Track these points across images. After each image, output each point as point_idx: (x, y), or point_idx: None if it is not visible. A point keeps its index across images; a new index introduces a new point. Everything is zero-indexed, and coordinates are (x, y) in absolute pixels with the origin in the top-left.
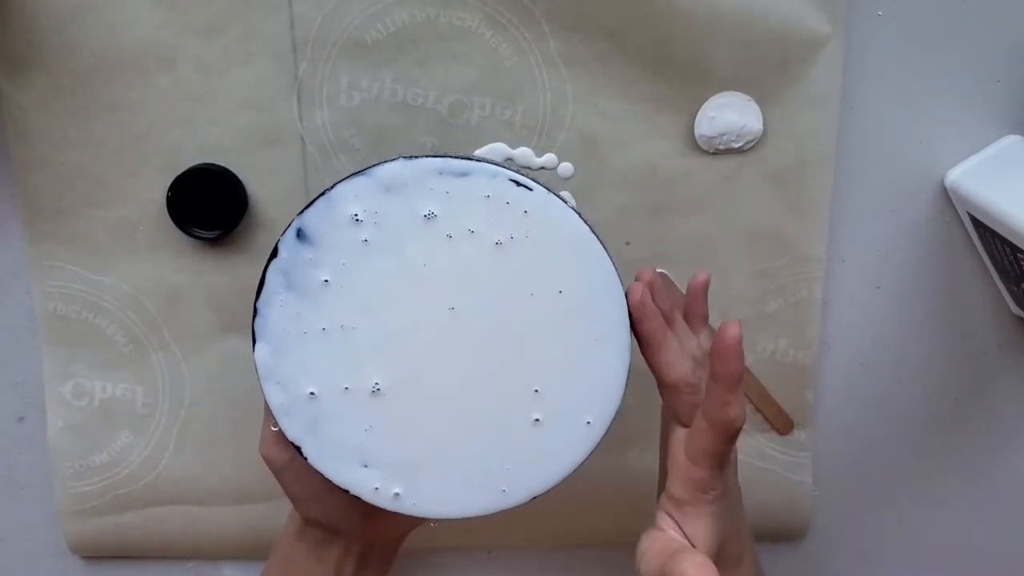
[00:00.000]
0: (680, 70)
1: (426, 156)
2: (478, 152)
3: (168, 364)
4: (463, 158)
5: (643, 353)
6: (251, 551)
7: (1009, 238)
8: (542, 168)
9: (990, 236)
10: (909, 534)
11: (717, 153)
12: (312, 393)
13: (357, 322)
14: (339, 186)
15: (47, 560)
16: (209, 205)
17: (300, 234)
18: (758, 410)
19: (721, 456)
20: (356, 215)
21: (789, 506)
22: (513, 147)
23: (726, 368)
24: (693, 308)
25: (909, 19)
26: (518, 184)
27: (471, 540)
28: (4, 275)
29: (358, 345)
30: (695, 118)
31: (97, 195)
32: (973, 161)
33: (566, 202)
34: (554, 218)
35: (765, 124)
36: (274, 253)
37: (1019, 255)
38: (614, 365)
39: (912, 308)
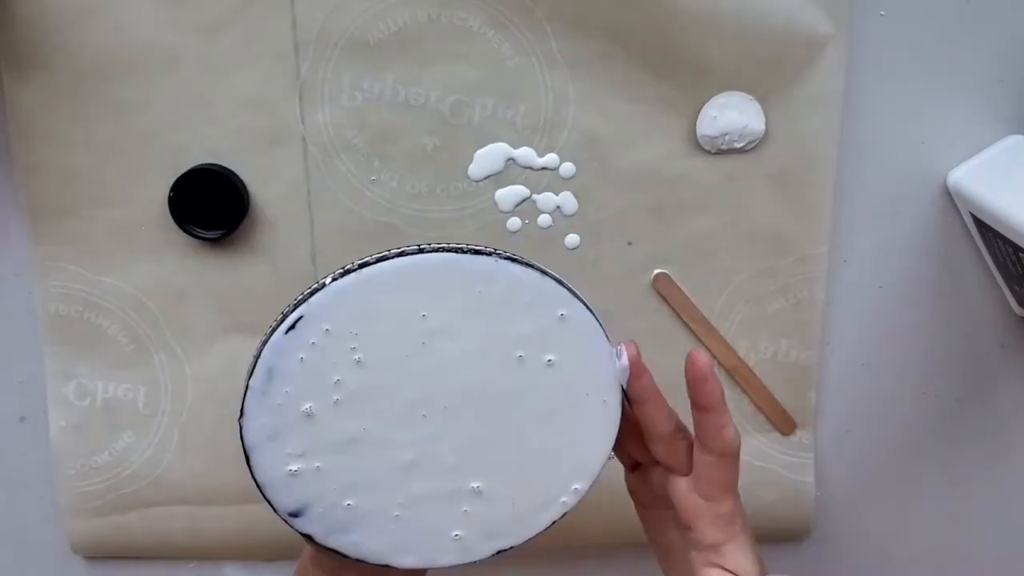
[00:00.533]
0: (682, 70)
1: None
2: (479, 152)
3: (170, 364)
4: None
5: (636, 411)
6: (253, 551)
7: (1011, 238)
8: (544, 168)
9: (992, 236)
10: (911, 534)
11: (719, 153)
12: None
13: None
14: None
15: (49, 560)
16: (211, 205)
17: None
18: (760, 410)
19: (735, 481)
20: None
21: (791, 506)
22: (515, 147)
23: (708, 394)
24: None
25: (911, 19)
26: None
27: None
28: (7, 275)
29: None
30: (697, 118)
31: (99, 195)
32: (975, 161)
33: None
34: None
35: (767, 124)
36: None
37: (1021, 255)
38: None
39: (914, 308)
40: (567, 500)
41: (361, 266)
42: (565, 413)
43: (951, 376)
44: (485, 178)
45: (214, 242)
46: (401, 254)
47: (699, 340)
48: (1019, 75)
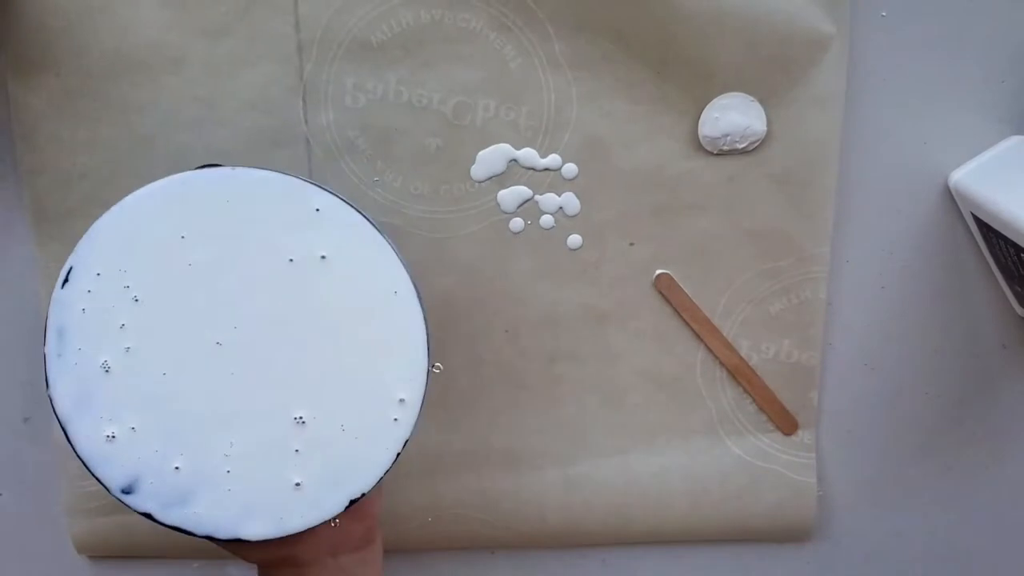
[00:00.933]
0: (684, 71)
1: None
2: (482, 153)
3: None
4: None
5: None
6: None
7: (1013, 239)
8: (546, 169)
9: (994, 237)
10: (914, 534)
11: (721, 154)
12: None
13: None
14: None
15: (53, 560)
16: None
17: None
18: (762, 410)
19: None
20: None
21: (793, 507)
22: (517, 148)
23: None
24: None
25: (913, 20)
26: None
27: (472, 542)
28: (12, 276)
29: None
30: (699, 119)
31: (105, 197)
32: (977, 162)
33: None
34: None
35: (769, 125)
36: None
37: (1023, 255)
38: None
39: (916, 309)
40: (399, 417)
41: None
42: (359, 314)
43: (953, 376)
44: (488, 179)
45: None
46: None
47: (701, 340)
48: (1021, 75)
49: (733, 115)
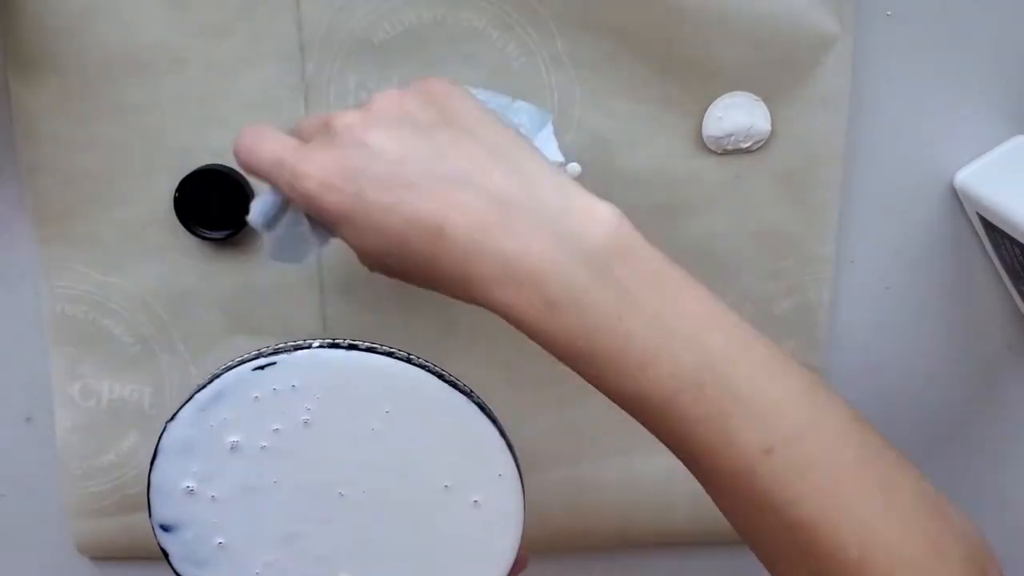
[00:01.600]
0: (688, 70)
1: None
2: None
3: (176, 365)
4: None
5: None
6: None
7: (1019, 239)
8: None
9: (1000, 237)
10: None
11: (725, 153)
12: None
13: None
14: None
15: (55, 561)
16: (217, 206)
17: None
18: None
19: None
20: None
21: None
22: None
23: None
24: None
25: (918, 19)
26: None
27: None
28: (12, 276)
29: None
30: (703, 118)
31: (106, 196)
32: (982, 162)
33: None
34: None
35: (773, 124)
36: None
37: None
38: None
39: (921, 309)
40: None
41: (350, 347)
42: (458, 556)
43: (958, 377)
44: None
45: (220, 243)
46: (390, 355)
47: None
48: None
49: (737, 115)
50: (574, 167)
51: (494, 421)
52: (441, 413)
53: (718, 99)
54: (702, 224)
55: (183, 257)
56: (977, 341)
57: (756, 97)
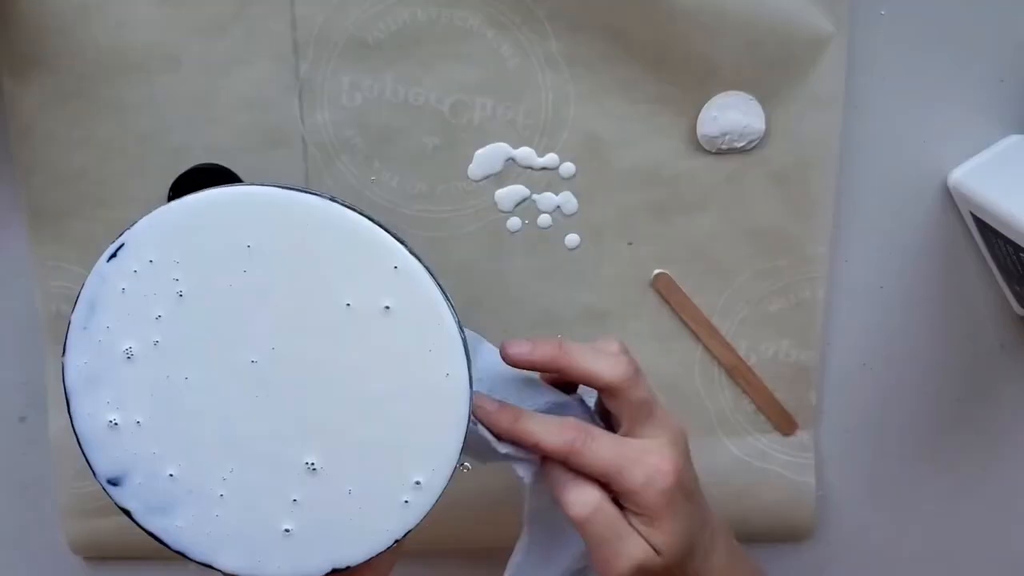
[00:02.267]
0: (683, 70)
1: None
2: (479, 152)
3: None
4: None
5: (564, 369)
6: None
7: (1012, 238)
8: (544, 168)
9: (993, 236)
10: (913, 534)
11: (720, 153)
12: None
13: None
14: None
15: (48, 561)
16: None
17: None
18: (760, 410)
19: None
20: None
21: (792, 507)
22: (515, 147)
23: (549, 362)
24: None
25: (912, 18)
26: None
27: (472, 542)
28: (7, 276)
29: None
30: (698, 118)
31: (100, 195)
32: (976, 161)
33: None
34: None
35: (768, 124)
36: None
37: (1022, 255)
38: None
39: (915, 308)
40: (410, 500)
41: (185, 195)
42: (402, 382)
43: (952, 376)
44: (485, 178)
45: None
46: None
47: (699, 340)
48: (1020, 75)
49: (732, 114)
50: (568, 167)
51: (368, 217)
52: (304, 227)
53: (713, 98)
54: (697, 223)
55: None
56: (971, 340)
57: (751, 96)
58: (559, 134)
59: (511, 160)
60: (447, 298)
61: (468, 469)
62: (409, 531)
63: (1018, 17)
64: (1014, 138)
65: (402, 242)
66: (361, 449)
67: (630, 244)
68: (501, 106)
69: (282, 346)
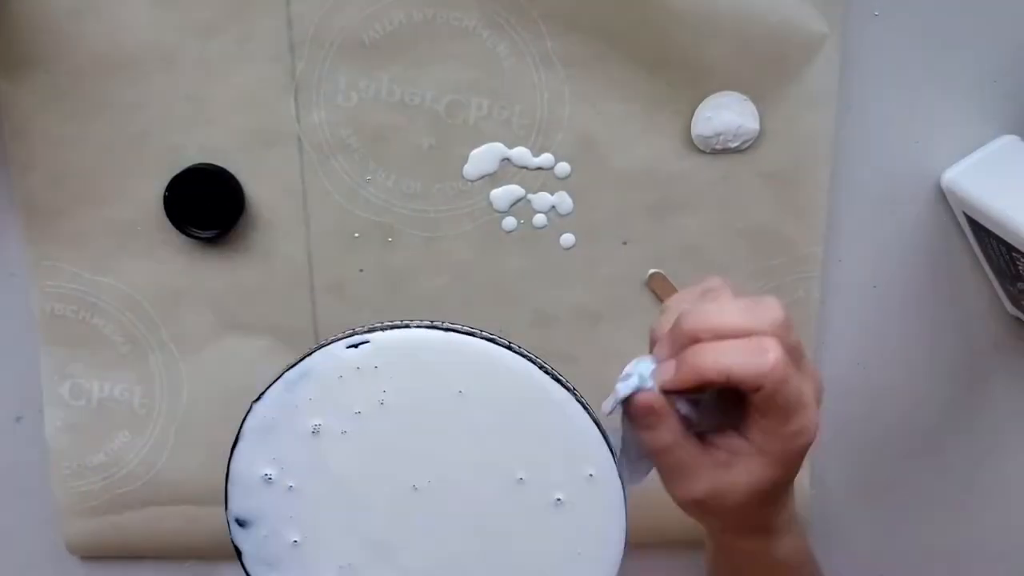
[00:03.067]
0: (677, 70)
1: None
2: (475, 152)
3: (166, 364)
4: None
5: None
6: None
7: (1005, 238)
8: (539, 168)
9: (986, 236)
10: (906, 533)
11: (714, 153)
12: None
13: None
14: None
15: (45, 560)
16: (206, 205)
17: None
18: None
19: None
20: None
21: None
22: (510, 147)
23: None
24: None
25: (906, 19)
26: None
27: None
28: (2, 275)
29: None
30: (692, 118)
31: (95, 195)
32: (969, 161)
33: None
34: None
35: (762, 124)
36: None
37: (1015, 255)
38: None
39: (908, 308)
40: None
41: (447, 329)
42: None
43: (945, 375)
44: (480, 178)
45: (210, 242)
46: (470, 334)
47: None
48: (1013, 75)
49: (726, 114)
50: (563, 167)
51: (592, 417)
52: (525, 402)
53: (707, 99)
54: (691, 223)
55: (173, 256)
56: (964, 338)
57: (745, 97)
58: (554, 134)
59: (506, 160)
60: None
61: None
62: None
63: (1011, 18)
64: (1007, 138)
65: (607, 440)
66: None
67: (625, 244)
68: (496, 106)
69: (446, 490)
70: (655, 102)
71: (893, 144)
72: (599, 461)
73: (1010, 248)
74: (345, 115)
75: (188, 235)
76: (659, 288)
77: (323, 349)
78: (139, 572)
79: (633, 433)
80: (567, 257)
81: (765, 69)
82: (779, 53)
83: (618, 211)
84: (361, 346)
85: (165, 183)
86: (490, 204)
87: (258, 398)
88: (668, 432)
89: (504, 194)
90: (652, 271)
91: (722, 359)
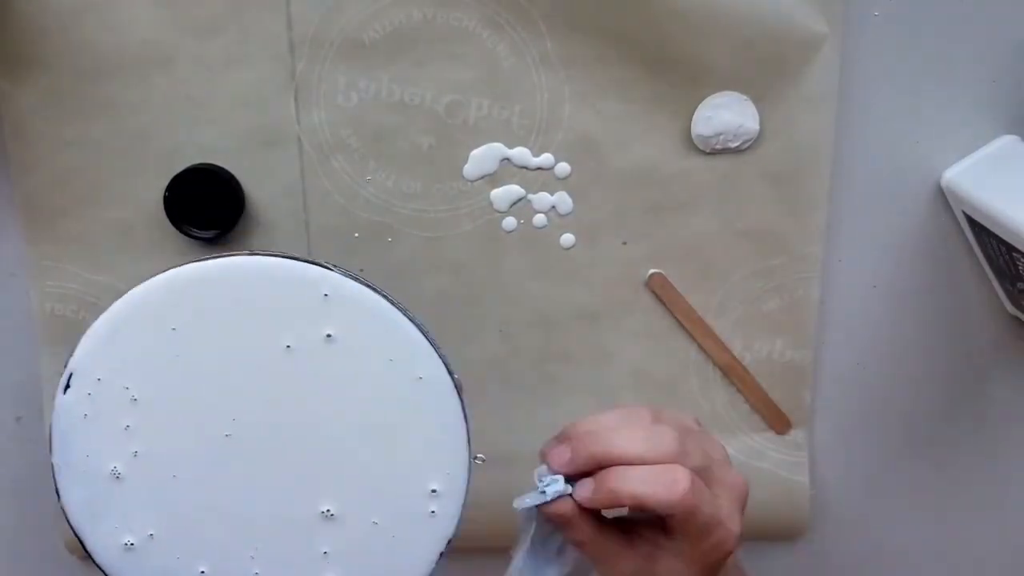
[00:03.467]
0: (677, 70)
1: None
2: (475, 152)
3: None
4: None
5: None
6: None
7: (1005, 237)
8: (539, 168)
9: (986, 236)
10: (907, 533)
11: (714, 153)
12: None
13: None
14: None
15: (44, 560)
16: (206, 205)
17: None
18: (755, 409)
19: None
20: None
21: (786, 506)
22: (510, 147)
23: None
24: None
25: (906, 19)
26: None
27: (465, 542)
28: (2, 275)
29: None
30: (692, 118)
31: (95, 195)
32: (969, 161)
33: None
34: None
35: (762, 124)
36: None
37: (1015, 254)
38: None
39: (908, 307)
40: (436, 509)
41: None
42: (375, 400)
43: (945, 375)
44: (480, 178)
45: (210, 242)
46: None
47: (694, 339)
48: (1013, 75)
49: (726, 114)
50: (563, 167)
51: (285, 256)
52: (212, 292)
53: (707, 99)
54: (691, 223)
55: (173, 256)
56: (964, 338)
57: (745, 97)
58: (554, 134)
59: (506, 160)
60: (387, 298)
61: (483, 460)
62: (450, 540)
63: (1011, 18)
64: (1007, 138)
65: (327, 267)
66: (367, 479)
67: (625, 244)
68: (496, 106)
69: (245, 411)
70: (655, 102)
71: (893, 144)
72: (332, 281)
73: (1010, 248)
74: (345, 115)
75: (188, 235)
76: (659, 288)
77: (54, 409)
78: None
79: (548, 526)
80: (567, 257)
81: (765, 69)
82: (779, 53)
83: (618, 211)
84: (71, 381)
85: (165, 183)
86: (490, 204)
87: (58, 496)
88: (582, 532)
89: (504, 194)
90: (652, 271)
91: (637, 488)
